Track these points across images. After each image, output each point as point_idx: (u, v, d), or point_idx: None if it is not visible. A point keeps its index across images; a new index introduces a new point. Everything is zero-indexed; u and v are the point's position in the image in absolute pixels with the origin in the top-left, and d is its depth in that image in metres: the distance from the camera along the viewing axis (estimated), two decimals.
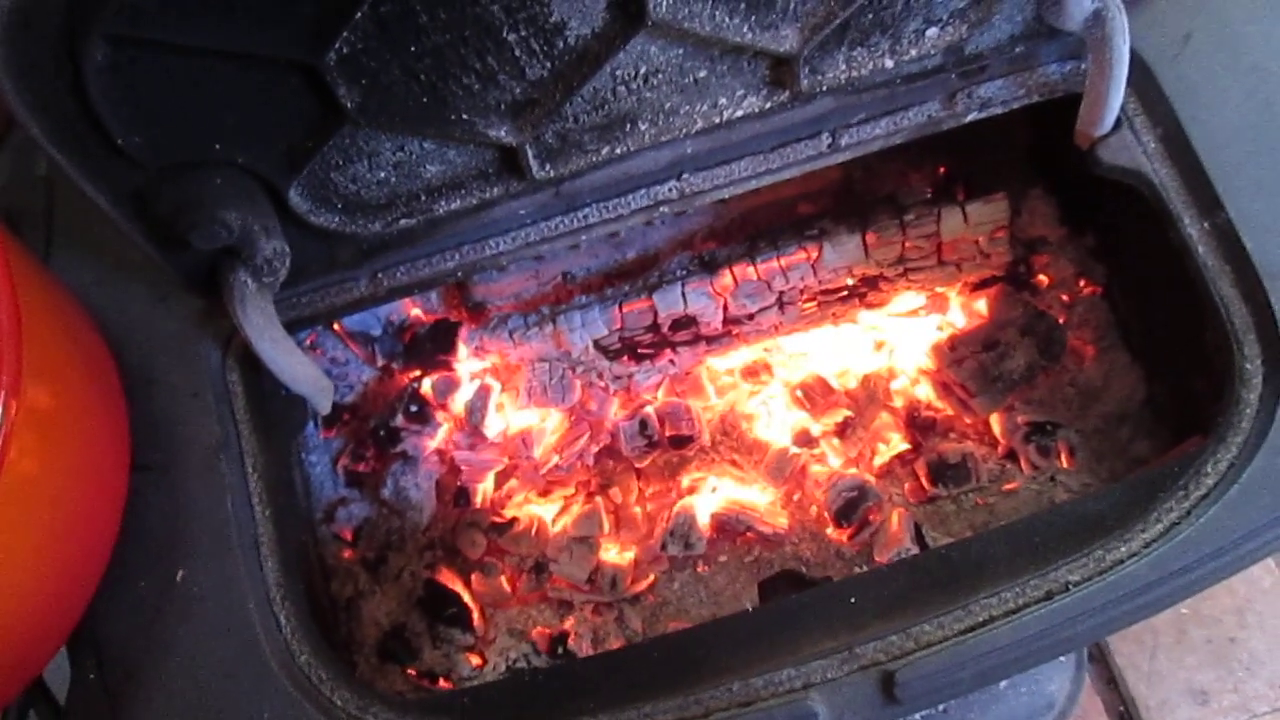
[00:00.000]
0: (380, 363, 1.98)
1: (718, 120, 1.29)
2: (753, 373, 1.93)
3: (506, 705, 1.26)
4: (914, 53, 1.29)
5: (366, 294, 1.40)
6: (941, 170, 1.94)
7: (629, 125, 1.27)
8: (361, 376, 1.98)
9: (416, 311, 1.98)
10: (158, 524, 1.28)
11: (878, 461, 1.82)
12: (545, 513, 1.87)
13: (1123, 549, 1.22)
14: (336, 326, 1.91)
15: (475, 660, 1.75)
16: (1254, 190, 1.31)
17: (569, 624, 1.77)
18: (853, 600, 1.26)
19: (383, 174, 1.23)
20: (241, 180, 1.15)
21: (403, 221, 1.28)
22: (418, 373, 1.95)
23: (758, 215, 1.95)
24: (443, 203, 1.29)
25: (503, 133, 1.21)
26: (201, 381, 1.34)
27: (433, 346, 1.94)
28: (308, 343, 1.91)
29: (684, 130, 1.29)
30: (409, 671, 1.73)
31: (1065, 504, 1.47)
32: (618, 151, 1.28)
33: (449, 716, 1.22)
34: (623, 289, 1.86)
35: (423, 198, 1.28)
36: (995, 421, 1.80)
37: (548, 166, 1.28)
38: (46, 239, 1.39)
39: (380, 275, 1.39)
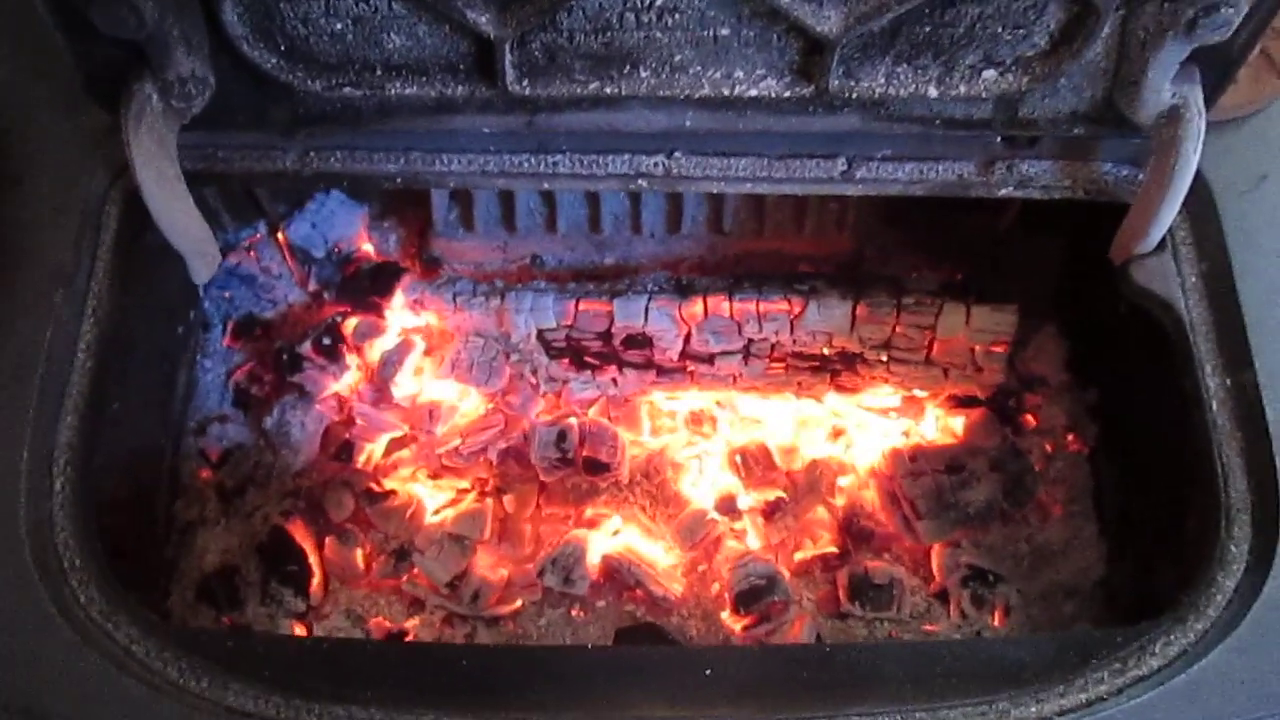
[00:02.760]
0: (312, 287, 1.81)
1: (727, 93, 1.13)
2: (696, 421, 1.75)
3: (276, 663, 1.05)
4: (963, 89, 1.14)
5: (292, 169, 1.23)
6: (959, 276, 1.79)
7: (628, 66, 1.11)
8: (288, 296, 1.81)
9: (368, 247, 1.82)
10: None
11: (799, 556, 1.63)
12: (428, 498, 1.67)
13: (1033, 709, 1.02)
14: (280, 236, 1.75)
15: (300, 631, 1.54)
16: None
17: (413, 625, 1.57)
18: (708, 672, 1.06)
19: (339, 26, 1.07)
20: None
21: (348, 90, 1.12)
22: (346, 309, 1.78)
23: (754, 260, 1.80)
24: (398, 84, 1.12)
25: (483, 20, 1.05)
26: (73, 202, 1.17)
27: (371, 286, 1.77)
28: (245, 244, 1.75)
29: (687, 91, 1.13)
30: (224, 620, 1.52)
31: (985, 640, 1.27)
32: (608, 91, 1.12)
33: (200, 655, 1.02)
34: (586, 287, 1.69)
35: (378, 70, 1.12)
36: (936, 553, 1.61)
37: (525, 81, 1.12)
38: None
39: (312, 154, 1.23)
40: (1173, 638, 1.06)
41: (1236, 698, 1.02)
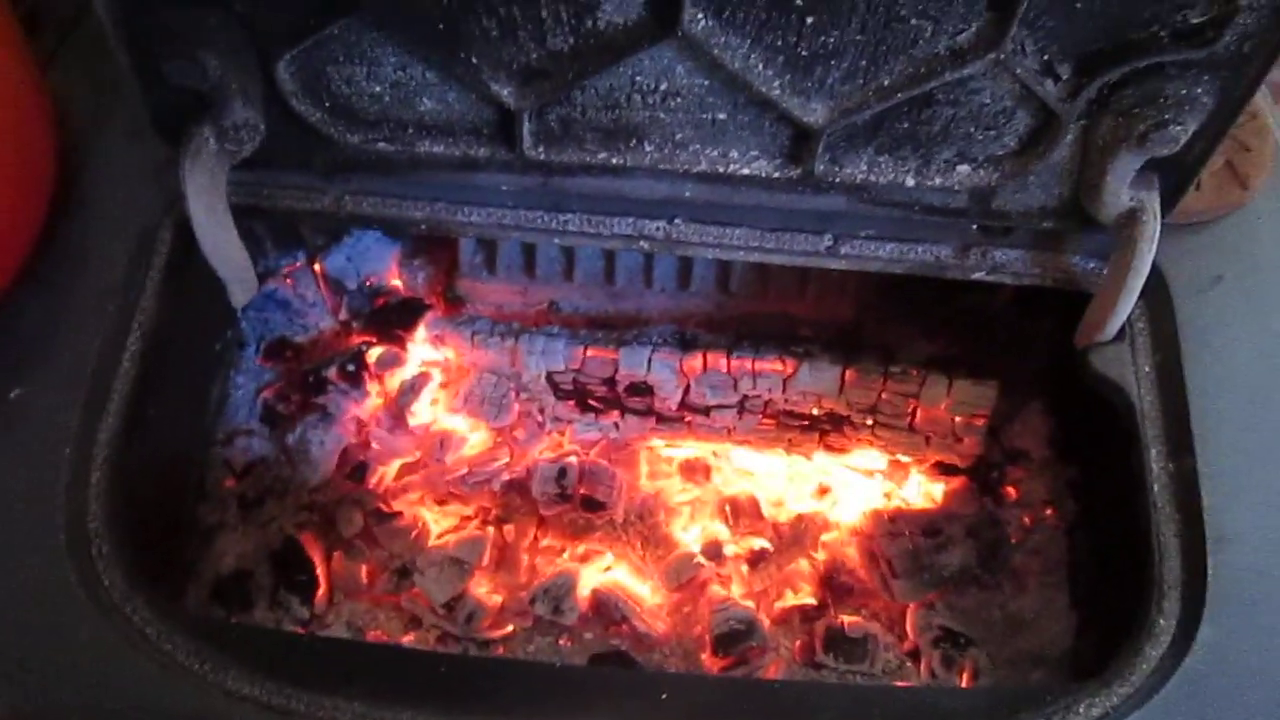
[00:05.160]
0: (343, 316, 1.94)
1: (723, 170, 1.24)
2: (691, 469, 1.84)
3: (274, 654, 1.15)
4: (939, 181, 1.24)
5: (327, 210, 1.36)
6: (953, 350, 1.87)
7: (634, 140, 1.23)
8: (320, 323, 1.93)
9: (397, 282, 1.94)
10: (15, 338, 1.22)
11: (779, 605, 1.70)
12: (433, 522, 1.77)
13: None
14: (317, 266, 1.88)
15: None
16: (1231, 449, 1.22)
17: (408, 640, 1.66)
18: (664, 696, 1.15)
19: (378, 88, 1.20)
20: (235, 32, 1.13)
21: (382, 145, 1.24)
22: (372, 339, 1.90)
23: (758, 321, 1.90)
24: (428, 142, 1.25)
25: (505, 92, 1.18)
26: (131, 224, 1.30)
27: (396, 319, 1.90)
28: (284, 272, 1.88)
29: (687, 166, 1.24)
30: (232, 620, 1.63)
31: (922, 688, 1.35)
32: (615, 161, 1.24)
33: (205, 641, 1.12)
34: (596, 334, 1.80)
35: (410, 129, 1.25)
36: (910, 613, 1.68)
37: (541, 147, 1.24)
38: (60, 39, 1.37)
39: (347, 197, 1.35)
40: (1096, 700, 1.13)
41: None
